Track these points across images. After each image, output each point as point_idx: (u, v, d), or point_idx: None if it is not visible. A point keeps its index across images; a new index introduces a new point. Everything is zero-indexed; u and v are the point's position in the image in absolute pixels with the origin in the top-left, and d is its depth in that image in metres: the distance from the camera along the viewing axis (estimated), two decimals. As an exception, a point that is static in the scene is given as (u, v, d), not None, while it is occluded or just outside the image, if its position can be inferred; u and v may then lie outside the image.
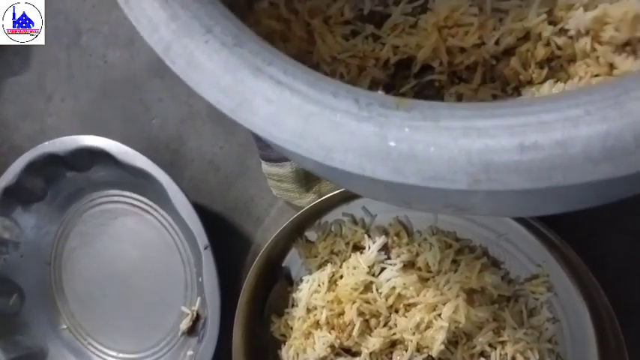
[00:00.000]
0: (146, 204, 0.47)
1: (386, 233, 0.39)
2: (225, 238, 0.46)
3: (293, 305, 0.41)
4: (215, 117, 0.47)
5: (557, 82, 0.28)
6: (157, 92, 0.49)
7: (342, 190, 0.39)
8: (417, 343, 0.35)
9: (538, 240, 0.37)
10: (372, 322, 0.37)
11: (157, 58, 0.52)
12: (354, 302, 0.37)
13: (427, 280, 0.37)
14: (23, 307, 0.50)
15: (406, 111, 0.19)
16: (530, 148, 0.17)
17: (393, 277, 0.37)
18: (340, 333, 0.37)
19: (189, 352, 0.44)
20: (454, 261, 0.37)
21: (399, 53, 0.31)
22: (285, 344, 0.41)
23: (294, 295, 0.41)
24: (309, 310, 0.39)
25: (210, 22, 0.22)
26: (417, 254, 0.38)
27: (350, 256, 0.39)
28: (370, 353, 0.36)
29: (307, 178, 0.41)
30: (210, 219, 0.43)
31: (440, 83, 0.32)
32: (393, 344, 0.37)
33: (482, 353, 0.36)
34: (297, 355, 0.39)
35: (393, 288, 0.37)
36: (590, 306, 0.37)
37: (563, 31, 0.28)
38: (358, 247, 0.40)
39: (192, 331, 0.45)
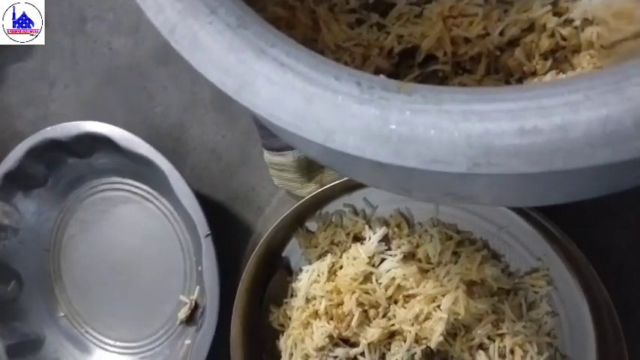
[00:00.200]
0: (147, 192, 0.47)
1: (387, 224, 0.39)
2: (226, 227, 0.46)
3: (292, 295, 0.41)
4: (218, 105, 0.47)
5: (559, 73, 0.28)
6: (160, 80, 0.49)
7: (343, 180, 0.39)
8: (416, 334, 0.35)
9: (539, 233, 0.37)
10: (371, 312, 0.37)
11: (161, 46, 0.53)
12: (353, 292, 0.37)
13: (427, 271, 0.37)
14: (21, 293, 0.50)
15: (407, 94, 0.19)
16: (530, 132, 0.17)
17: (393, 268, 0.37)
18: (339, 323, 0.37)
19: (187, 341, 0.44)
20: (454, 253, 0.37)
21: (404, 42, 0.31)
22: (283, 334, 0.41)
23: (293, 285, 0.41)
24: (308, 300, 0.39)
25: (215, 3, 0.22)
26: (418, 245, 0.38)
27: (350, 246, 0.39)
28: (369, 344, 0.36)
29: (309, 168, 0.41)
30: (211, 208, 0.43)
31: (444, 73, 0.31)
32: (391, 335, 0.37)
33: (480, 345, 0.36)
34: (296, 345, 0.39)
35: (393, 279, 0.37)
36: (589, 300, 0.37)
37: (568, 22, 0.28)
38: (359, 238, 0.40)
39: (190, 320, 0.45)
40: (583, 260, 0.35)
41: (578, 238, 0.35)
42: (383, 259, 0.38)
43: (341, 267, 0.39)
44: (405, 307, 0.36)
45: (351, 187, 0.40)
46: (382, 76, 0.20)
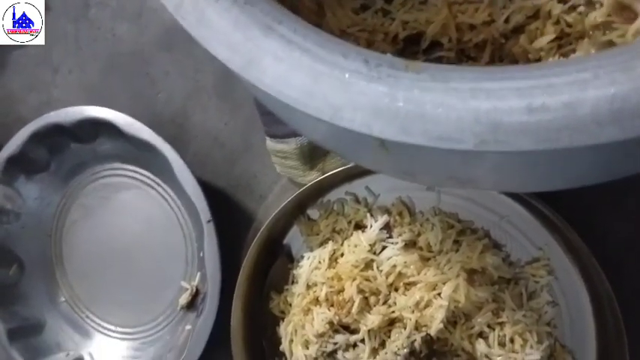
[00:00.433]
0: (149, 178, 0.47)
1: (388, 213, 0.39)
2: (228, 214, 0.46)
3: (293, 282, 0.41)
4: (221, 93, 0.47)
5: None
6: (163, 66, 0.49)
7: (345, 168, 0.39)
8: (416, 321, 0.35)
9: (540, 222, 0.37)
10: (372, 299, 0.37)
11: (164, 32, 0.53)
12: (354, 279, 0.37)
13: (428, 259, 0.37)
14: (23, 277, 0.50)
15: (415, 72, 0.19)
16: (537, 110, 0.17)
17: (394, 256, 0.37)
18: (339, 310, 0.37)
19: (188, 327, 0.44)
20: (455, 241, 0.37)
21: (409, 28, 0.31)
22: (283, 321, 0.41)
23: (294, 272, 0.41)
24: (308, 287, 0.39)
25: (222, -20, 0.21)
26: (419, 234, 0.38)
27: (352, 234, 0.39)
28: (369, 330, 0.36)
29: (311, 156, 0.41)
30: (213, 195, 0.43)
31: (448, 60, 0.31)
32: (391, 322, 0.37)
33: (480, 334, 0.36)
34: (296, 331, 0.39)
35: (394, 266, 0.37)
36: (590, 290, 0.37)
37: (572, 8, 0.28)
38: (360, 226, 0.40)
39: (191, 306, 0.45)
40: (584, 250, 0.35)
41: (578, 228, 0.35)
42: (384, 247, 0.38)
43: (342, 254, 0.39)
44: (405, 295, 0.36)
45: (353, 175, 0.40)
46: (390, 55, 0.20)
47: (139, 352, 0.47)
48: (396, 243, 0.37)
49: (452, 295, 0.35)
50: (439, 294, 0.35)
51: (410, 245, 0.38)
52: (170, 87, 0.48)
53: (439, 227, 0.37)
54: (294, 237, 0.43)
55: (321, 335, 0.37)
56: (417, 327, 0.35)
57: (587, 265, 0.36)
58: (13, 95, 0.54)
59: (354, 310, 0.36)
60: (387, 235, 0.38)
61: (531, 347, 0.35)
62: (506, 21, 0.29)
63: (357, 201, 0.41)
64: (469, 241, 0.37)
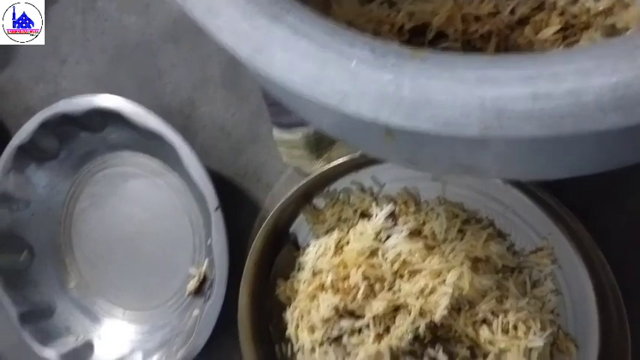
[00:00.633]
0: (157, 166, 0.48)
1: (394, 202, 0.39)
2: (235, 203, 0.46)
3: (299, 269, 0.42)
4: (228, 83, 0.47)
5: (566, 49, 0.29)
6: (171, 58, 0.49)
7: (350, 157, 0.39)
8: (421, 307, 0.36)
9: (545, 212, 0.37)
10: (377, 286, 0.37)
11: (171, 24, 0.53)
12: (359, 266, 0.37)
13: (433, 248, 0.37)
14: (33, 263, 0.51)
15: (421, 61, 0.20)
16: (542, 97, 0.18)
17: (399, 244, 0.37)
18: (345, 296, 0.37)
19: (195, 312, 0.45)
20: (460, 230, 0.38)
21: (414, 20, 0.31)
22: (289, 307, 0.41)
23: (300, 259, 0.42)
24: (314, 274, 0.40)
25: (230, -31, 0.22)
26: (424, 223, 0.38)
27: (357, 223, 0.40)
28: (374, 317, 0.37)
29: (318, 146, 0.41)
30: (220, 184, 0.44)
31: (454, 51, 0.32)
32: (396, 309, 0.37)
33: (484, 321, 0.36)
34: (302, 316, 0.40)
35: (399, 254, 0.37)
36: (593, 280, 0.37)
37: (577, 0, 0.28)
38: (366, 215, 0.41)
39: (198, 292, 0.46)
40: (588, 240, 0.36)
41: (582, 220, 0.36)
42: (389, 235, 0.38)
43: (347, 242, 0.40)
44: (410, 282, 0.37)
45: (359, 164, 0.40)
46: (396, 44, 0.21)
47: (147, 337, 0.48)
48: (401, 231, 0.38)
49: (456, 283, 0.35)
50: (443, 281, 0.36)
51: (415, 234, 0.38)
52: (177, 78, 0.49)
53: (444, 216, 0.38)
54: (300, 225, 0.43)
55: (326, 321, 0.38)
56: (422, 313, 0.36)
57: (591, 255, 0.36)
58: (21, 86, 0.55)
59: (360, 296, 0.37)
60: (393, 224, 0.39)
61: (534, 334, 0.35)
62: (512, 12, 0.30)
63: (363, 190, 0.41)
64: (474, 230, 0.37)
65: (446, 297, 0.35)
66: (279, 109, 0.41)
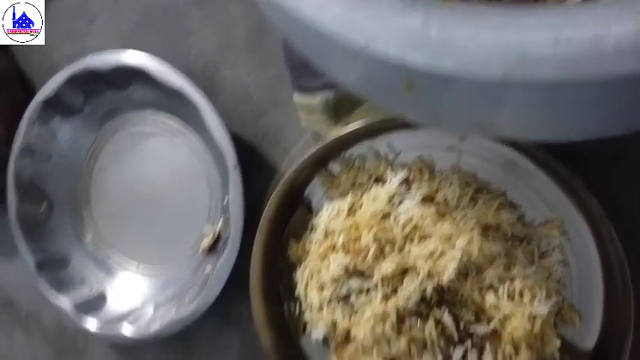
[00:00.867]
0: (178, 126, 0.49)
1: (408, 169, 0.40)
2: (252, 166, 0.47)
3: (311, 230, 0.43)
4: (251, 47, 0.48)
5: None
6: (197, 20, 0.50)
7: (367, 122, 0.40)
8: (429, 270, 0.36)
9: (558, 185, 0.38)
10: (387, 248, 0.38)
11: (200, -15, 0.53)
12: (371, 228, 0.38)
13: (444, 214, 0.38)
14: (52, 215, 0.52)
15: (450, 9, 0.20)
16: (563, 42, 0.18)
17: (411, 209, 0.38)
18: (355, 256, 0.38)
19: (208, 268, 0.46)
20: (472, 198, 0.38)
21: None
22: (300, 267, 0.42)
23: (313, 221, 0.43)
24: (326, 235, 0.41)
25: None
26: (437, 190, 0.39)
27: (371, 188, 0.41)
28: (382, 278, 0.38)
29: (337, 111, 0.42)
30: (239, 147, 0.44)
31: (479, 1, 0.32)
32: (405, 272, 0.38)
33: (491, 286, 0.37)
34: (312, 275, 0.41)
35: (411, 218, 0.38)
36: (602, 255, 0.38)
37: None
38: (380, 181, 0.41)
39: (212, 250, 0.47)
40: (601, 215, 0.36)
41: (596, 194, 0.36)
42: (402, 201, 0.39)
43: (361, 206, 0.40)
44: (420, 246, 0.37)
45: (376, 131, 0.41)
46: (424, -6, 0.21)
47: (159, 290, 0.49)
48: (414, 197, 0.39)
49: (465, 247, 0.36)
50: (453, 245, 0.36)
51: (427, 200, 0.39)
52: (202, 40, 0.50)
53: (457, 184, 0.38)
54: (314, 189, 0.44)
55: (335, 280, 0.39)
56: (430, 275, 0.36)
57: (602, 230, 0.37)
58: (48, 43, 0.56)
59: (370, 257, 0.38)
60: (406, 190, 0.39)
61: (539, 302, 0.36)
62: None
63: (379, 157, 0.42)
64: (486, 199, 0.38)
65: (454, 261, 0.36)
66: (301, 71, 0.42)
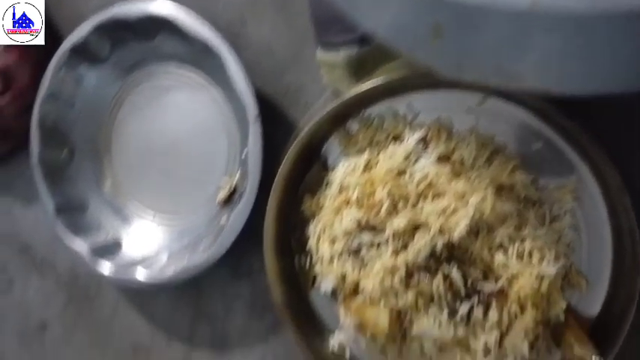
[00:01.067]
0: (202, 80, 0.49)
1: (427, 128, 0.41)
2: (273, 122, 0.48)
3: (327, 186, 0.43)
4: (278, 5, 0.49)
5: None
6: (225, -24, 0.51)
7: (386, 79, 0.40)
8: (440, 226, 0.37)
9: (575, 151, 0.38)
10: (400, 204, 0.39)
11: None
12: (385, 184, 0.39)
13: (459, 173, 0.39)
14: (72, 161, 0.53)
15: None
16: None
17: (426, 167, 0.39)
18: (368, 211, 0.39)
19: (223, 219, 0.47)
20: (488, 159, 0.39)
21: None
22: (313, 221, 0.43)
23: (328, 177, 0.43)
24: (341, 190, 0.41)
25: None
26: (454, 150, 0.39)
27: (389, 146, 0.41)
28: (393, 233, 0.38)
29: (358, 68, 0.43)
30: (261, 102, 0.45)
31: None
32: (416, 228, 0.38)
33: (500, 246, 0.38)
34: (325, 229, 0.41)
35: (426, 176, 0.38)
36: (614, 225, 0.38)
37: None
38: (397, 140, 0.42)
39: (228, 202, 0.48)
40: (618, 186, 0.36)
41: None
42: (418, 159, 0.40)
43: (377, 163, 0.41)
44: (433, 203, 0.38)
45: (396, 89, 0.41)
46: None
47: (174, 239, 0.50)
48: (431, 155, 0.39)
49: (478, 205, 0.36)
50: (466, 203, 0.37)
51: (444, 159, 0.39)
52: (230, -3, 0.50)
53: (474, 145, 0.39)
54: (331, 147, 0.44)
55: (347, 233, 0.39)
56: (441, 231, 0.37)
57: (615, 198, 0.37)
58: (78, -6, 0.57)
59: (383, 212, 0.38)
60: (423, 149, 0.40)
61: (548, 263, 0.36)
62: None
63: (397, 117, 0.42)
64: (501, 160, 0.38)
65: (466, 218, 0.36)
66: (326, 26, 0.42)
